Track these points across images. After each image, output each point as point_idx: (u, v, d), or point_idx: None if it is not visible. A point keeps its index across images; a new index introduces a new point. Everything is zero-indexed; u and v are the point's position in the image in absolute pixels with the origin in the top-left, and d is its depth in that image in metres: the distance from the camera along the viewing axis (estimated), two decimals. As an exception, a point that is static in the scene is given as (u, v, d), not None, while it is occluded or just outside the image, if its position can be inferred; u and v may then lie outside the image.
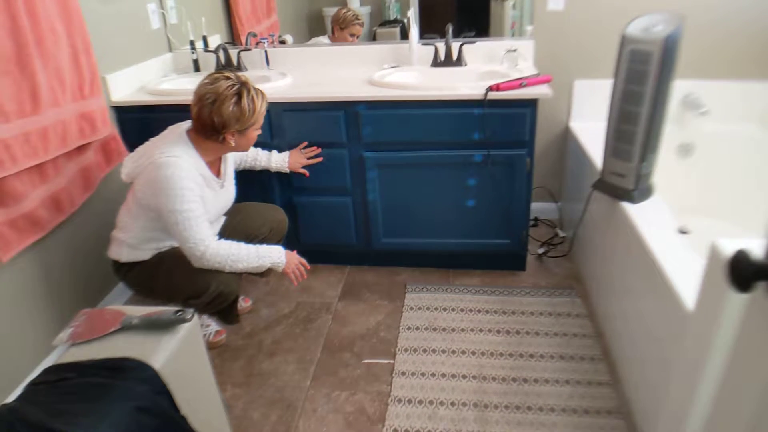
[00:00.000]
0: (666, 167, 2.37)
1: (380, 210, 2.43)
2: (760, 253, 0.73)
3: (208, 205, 1.89)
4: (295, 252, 2.01)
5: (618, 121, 1.90)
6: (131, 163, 1.86)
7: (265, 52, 2.73)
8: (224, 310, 2.02)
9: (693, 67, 2.49)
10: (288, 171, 2.34)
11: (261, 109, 1.85)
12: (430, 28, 2.80)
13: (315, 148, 2.33)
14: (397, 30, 2.90)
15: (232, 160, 2.12)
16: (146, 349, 1.19)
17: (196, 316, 1.33)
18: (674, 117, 2.55)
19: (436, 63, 2.58)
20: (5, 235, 1.77)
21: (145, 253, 1.93)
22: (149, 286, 1.96)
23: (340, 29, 2.82)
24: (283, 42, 2.90)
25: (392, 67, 2.61)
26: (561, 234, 2.76)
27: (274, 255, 1.92)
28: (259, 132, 1.93)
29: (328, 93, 2.28)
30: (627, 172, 1.91)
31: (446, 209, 2.40)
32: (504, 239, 2.43)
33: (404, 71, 2.54)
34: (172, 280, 1.90)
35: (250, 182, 2.40)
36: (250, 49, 2.76)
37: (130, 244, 1.90)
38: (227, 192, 2.06)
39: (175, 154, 1.78)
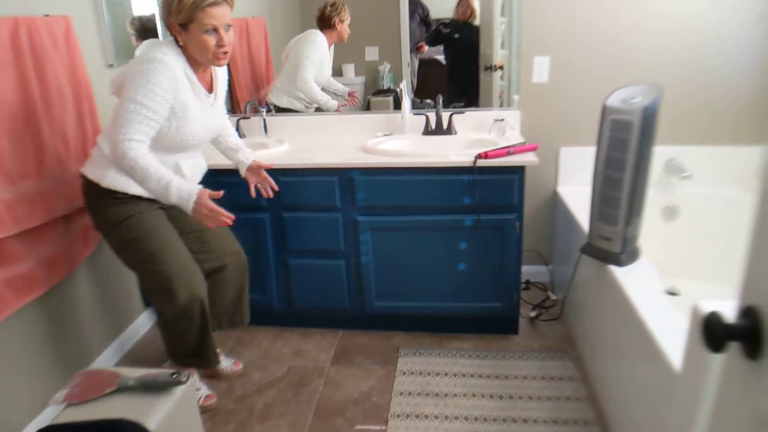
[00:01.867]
0: (652, 230, 2.43)
1: (373, 273, 2.47)
2: (732, 315, 0.77)
3: (190, 115, 1.84)
4: (209, 201, 1.79)
5: (602, 187, 1.97)
6: (118, 72, 1.85)
7: (264, 120, 2.83)
8: (200, 349, 2.06)
9: (674, 133, 2.60)
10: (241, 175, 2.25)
11: (189, 2, 1.72)
12: (422, 96, 2.94)
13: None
14: (390, 99, 3.01)
15: (223, 82, 2.07)
16: (142, 410, 1.20)
17: (191, 379, 1.34)
18: (658, 181, 2.63)
19: (427, 131, 2.68)
20: (2, 294, 1.78)
21: (128, 185, 1.84)
22: (121, 249, 1.96)
23: (340, 22, 2.86)
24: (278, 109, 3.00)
25: (385, 135, 2.70)
26: (553, 297, 2.79)
27: (183, 192, 1.76)
28: (218, 39, 1.79)
29: (323, 160, 2.37)
30: (613, 235, 1.97)
31: (438, 273, 2.44)
32: (496, 302, 2.46)
33: (397, 139, 2.63)
34: (143, 266, 1.95)
35: (245, 241, 2.44)
36: (249, 117, 2.86)
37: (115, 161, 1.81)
38: (217, 113, 2.03)
39: (162, 52, 1.77)
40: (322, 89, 2.96)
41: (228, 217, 1.81)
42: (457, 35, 2.93)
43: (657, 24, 2.53)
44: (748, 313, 0.75)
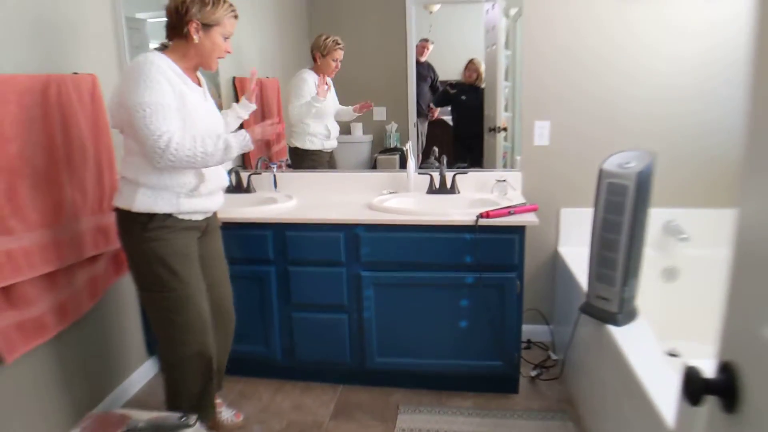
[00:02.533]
0: (653, 291, 2.47)
1: (375, 328, 2.50)
2: (709, 371, 0.81)
3: (191, 107, 1.87)
4: (257, 128, 2.03)
5: (600, 248, 2.02)
6: (109, 102, 1.91)
7: (274, 176, 2.93)
8: (199, 403, 2.06)
9: (673, 196, 2.67)
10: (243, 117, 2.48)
11: (224, 8, 1.89)
12: (429, 155, 3.05)
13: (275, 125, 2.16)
14: (397, 157, 3.12)
15: (206, 86, 2.10)
16: None
17: (198, 423, 1.37)
18: (657, 243, 2.69)
19: (431, 190, 2.76)
20: (12, 337, 1.83)
21: (156, 203, 1.86)
22: (146, 289, 1.97)
23: (322, 56, 2.95)
24: (290, 165, 3.10)
25: (390, 193, 2.79)
26: (554, 357, 2.79)
27: (239, 140, 1.91)
28: (228, 47, 1.96)
29: (330, 215, 2.44)
30: (611, 296, 2.01)
31: (439, 329, 2.46)
32: (496, 361, 2.47)
33: (402, 197, 2.72)
34: (162, 312, 1.96)
35: (249, 294, 2.50)
36: (260, 173, 2.96)
37: (146, 183, 1.86)
38: (212, 106, 2.06)
39: (143, 55, 1.82)
40: (337, 119, 3.10)
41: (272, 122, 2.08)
42: (463, 97, 3.06)
43: (654, 92, 2.65)
44: (725, 368, 0.79)
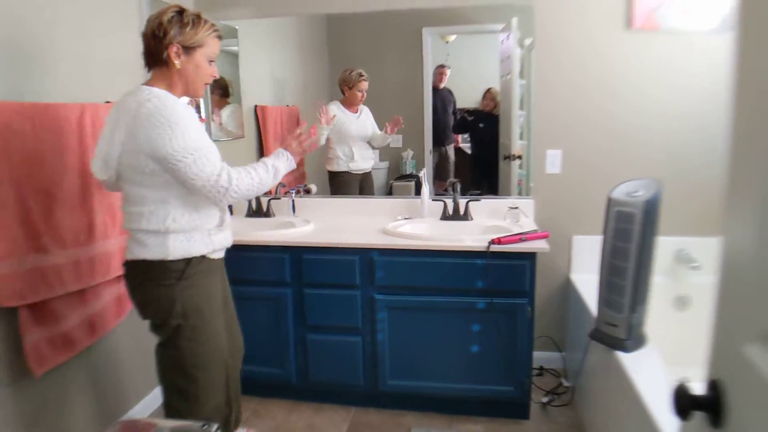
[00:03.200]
0: (665, 319, 2.49)
1: (388, 351, 2.55)
2: (698, 388, 0.86)
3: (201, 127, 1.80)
4: (295, 144, 2.01)
5: (608, 274, 2.07)
6: (101, 155, 1.76)
7: (293, 201, 3.03)
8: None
9: (684, 224, 2.70)
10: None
11: (205, 28, 1.77)
12: (443, 182, 3.14)
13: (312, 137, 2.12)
14: (412, 184, 3.20)
15: None
16: None
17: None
18: (669, 271, 2.72)
19: (444, 216, 2.83)
20: (42, 351, 1.92)
21: (192, 246, 1.79)
22: (171, 344, 1.83)
23: (348, 89, 3.09)
24: (308, 191, 3.20)
25: (405, 219, 2.86)
26: (566, 384, 2.81)
27: (283, 162, 1.94)
28: (213, 70, 1.85)
29: (345, 240, 2.52)
30: (619, 322, 2.05)
31: (451, 353, 2.51)
32: (507, 386, 2.50)
33: (415, 223, 2.79)
34: (183, 369, 1.83)
35: (266, 316, 2.58)
36: (279, 198, 3.06)
37: (177, 229, 1.76)
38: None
39: (149, 92, 1.69)
40: (370, 144, 3.21)
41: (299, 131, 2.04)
42: (481, 125, 3.14)
43: (664, 122, 2.71)
44: (712, 386, 0.84)
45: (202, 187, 1.72)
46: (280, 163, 1.93)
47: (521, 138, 3.02)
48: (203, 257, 1.83)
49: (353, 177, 3.23)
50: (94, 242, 2.12)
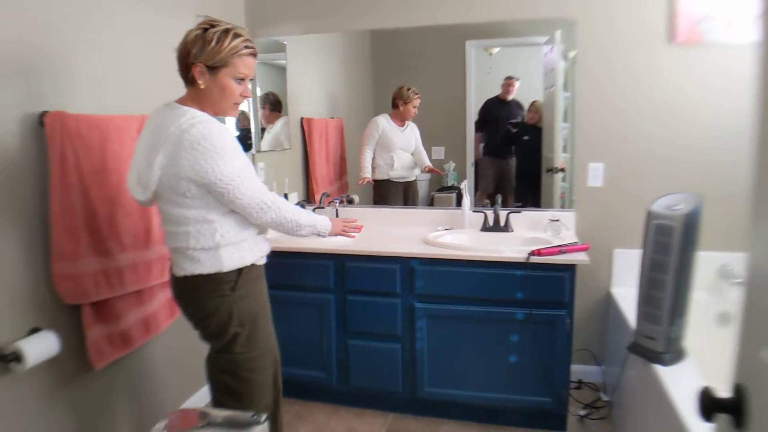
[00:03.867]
0: (708, 336, 2.47)
1: (427, 359, 2.60)
2: (722, 392, 0.90)
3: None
4: (340, 220, 2.16)
5: (647, 287, 2.08)
6: (135, 173, 1.79)
7: (336, 210, 3.12)
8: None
9: (727, 240, 2.66)
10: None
11: (231, 44, 1.68)
12: (485, 195, 3.17)
13: (357, 225, 2.29)
14: (453, 195, 3.24)
15: None
16: None
17: (267, 422, 1.54)
18: (712, 287, 2.69)
19: (485, 228, 2.88)
20: (102, 347, 2.05)
21: (246, 252, 1.84)
22: (222, 338, 1.86)
23: (403, 103, 3.17)
24: (351, 201, 3.29)
25: (446, 230, 2.91)
26: (604, 398, 2.80)
27: (321, 222, 1.99)
28: (245, 90, 1.78)
29: (387, 248, 2.59)
30: (657, 335, 2.05)
31: (489, 363, 2.54)
32: (545, 397, 2.52)
33: (456, 233, 2.84)
34: (238, 373, 1.87)
35: (310, 321, 2.67)
36: (323, 207, 3.16)
37: (228, 242, 1.78)
38: None
39: (192, 115, 1.68)
40: (415, 157, 3.30)
41: (354, 222, 2.19)
42: (526, 137, 3.16)
43: (706, 135, 2.70)
44: (736, 390, 0.88)
45: (248, 205, 1.76)
46: (319, 219, 2.00)
47: (564, 151, 3.03)
48: (252, 265, 1.87)
49: (395, 185, 3.30)
50: (152, 246, 2.24)
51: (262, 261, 1.96)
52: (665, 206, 2.06)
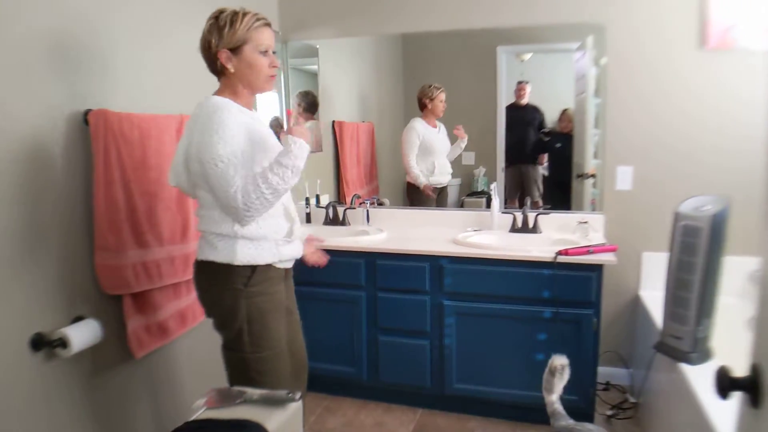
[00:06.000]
0: (737, 341, 2.46)
1: (455, 355, 2.65)
2: (738, 372, 0.94)
3: (269, 147, 1.80)
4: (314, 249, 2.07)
5: (674, 288, 2.10)
6: (173, 163, 1.88)
7: (367, 211, 3.20)
8: None
9: (758, 245, 2.66)
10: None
11: (244, 21, 1.74)
12: (513, 199, 3.22)
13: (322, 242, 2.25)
14: (483, 200, 3.28)
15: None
16: (263, 416, 1.50)
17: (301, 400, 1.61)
18: (742, 292, 2.68)
19: (513, 229, 2.92)
20: (141, 337, 2.15)
21: (259, 254, 1.80)
22: (230, 333, 1.85)
23: (430, 101, 3.19)
24: (381, 204, 3.36)
25: (474, 231, 2.96)
26: (631, 399, 2.81)
27: (297, 149, 1.74)
28: (273, 60, 1.80)
29: (417, 247, 2.66)
30: (684, 334, 2.07)
31: (517, 361, 2.58)
32: (572, 395, 2.52)
33: (485, 234, 2.89)
34: (245, 373, 1.85)
35: (342, 315, 2.74)
36: (354, 208, 3.24)
37: (246, 235, 1.77)
38: (272, 134, 1.94)
39: (209, 99, 1.74)
40: (449, 158, 3.32)
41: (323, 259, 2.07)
42: (558, 145, 3.20)
43: (737, 141, 2.70)
44: (753, 369, 0.92)
45: (220, 201, 1.71)
46: (294, 153, 1.73)
47: (595, 157, 3.02)
48: (269, 266, 1.83)
49: (431, 191, 3.34)
50: (188, 241, 2.34)
51: (284, 265, 1.92)
52: (693, 207, 2.09)
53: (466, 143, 3.24)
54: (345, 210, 3.21)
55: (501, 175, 3.22)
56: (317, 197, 3.36)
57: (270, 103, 3.32)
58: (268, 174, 1.68)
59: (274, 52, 1.82)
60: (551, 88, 3.15)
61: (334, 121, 3.42)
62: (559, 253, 2.42)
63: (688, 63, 2.73)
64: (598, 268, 2.42)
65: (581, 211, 3.03)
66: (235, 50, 1.75)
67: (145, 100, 2.27)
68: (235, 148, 1.66)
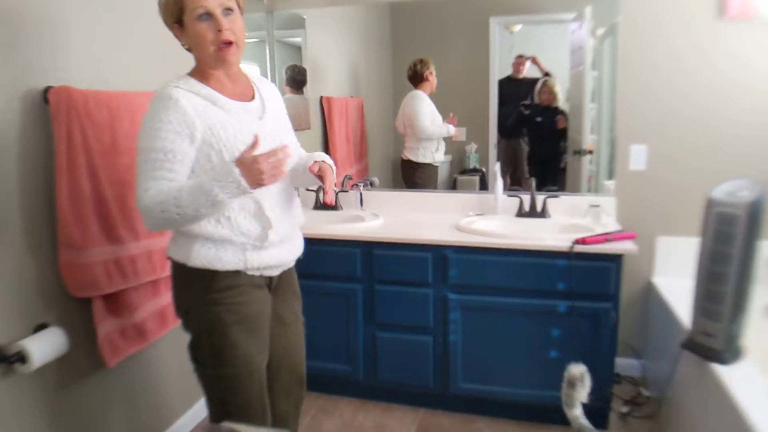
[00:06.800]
0: (758, 330, 2.31)
1: (460, 352, 2.46)
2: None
3: (226, 137, 1.50)
4: (250, 155, 1.43)
5: (706, 281, 1.91)
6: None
7: (360, 194, 2.97)
8: None
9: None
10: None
11: None
12: (504, 176, 2.94)
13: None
14: (477, 179, 3.10)
15: (274, 100, 1.72)
16: None
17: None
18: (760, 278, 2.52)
19: (520, 213, 2.71)
20: (116, 342, 1.91)
21: (219, 258, 1.53)
22: (194, 344, 1.63)
23: (431, 74, 3.02)
24: (371, 183, 3.14)
25: (477, 215, 2.75)
26: (645, 393, 2.65)
27: (221, 177, 1.41)
28: (216, 25, 1.47)
29: (419, 235, 2.44)
30: (717, 332, 1.89)
31: (528, 358, 2.39)
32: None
33: (489, 219, 2.68)
34: (213, 393, 1.63)
35: (335, 311, 2.54)
36: (347, 191, 3.00)
37: (203, 233, 1.51)
38: (272, 125, 1.64)
39: (165, 84, 1.51)
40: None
41: (281, 150, 1.43)
42: (538, 119, 3.01)
43: (761, 116, 2.51)
44: None
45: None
46: (216, 185, 1.41)
47: (592, 132, 2.88)
48: (238, 272, 1.57)
49: (433, 169, 3.15)
50: (168, 233, 2.09)
51: (262, 273, 1.63)
52: (727, 193, 1.88)
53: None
54: (336, 193, 2.97)
55: (494, 151, 3.05)
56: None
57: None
58: (188, 197, 1.41)
59: (229, 10, 1.50)
60: (544, 61, 2.96)
61: (322, 97, 3.21)
62: (577, 241, 2.22)
63: (706, 32, 2.52)
64: (617, 258, 2.23)
65: (578, 191, 2.86)
66: (180, 23, 1.51)
67: (116, 75, 2.02)
68: (162, 144, 1.43)
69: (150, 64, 2.15)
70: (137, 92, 1.99)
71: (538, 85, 2.93)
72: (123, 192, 1.91)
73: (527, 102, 2.98)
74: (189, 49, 1.56)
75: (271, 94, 1.72)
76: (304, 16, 3.12)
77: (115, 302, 1.92)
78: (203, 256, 1.53)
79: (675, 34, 2.55)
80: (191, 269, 1.54)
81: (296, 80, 3.22)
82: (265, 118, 1.62)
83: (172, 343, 2.31)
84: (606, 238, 2.24)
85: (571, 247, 2.21)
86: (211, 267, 1.53)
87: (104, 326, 1.88)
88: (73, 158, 1.73)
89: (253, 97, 1.64)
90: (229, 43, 1.49)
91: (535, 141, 3.08)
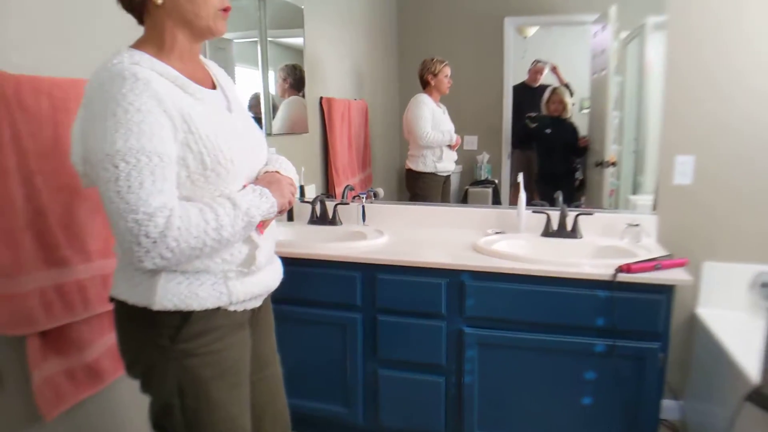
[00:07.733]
0: None
1: (477, 396, 2.12)
2: None
3: (203, 127, 1.15)
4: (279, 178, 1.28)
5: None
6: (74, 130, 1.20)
7: (362, 207, 2.64)
8: None
9: None
10: None
11: None
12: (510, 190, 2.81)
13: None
14: (489, 191, 2.88)
15: (231, 85, 1.39)
16: None
17: None
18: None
19: (547, 232, 2.36)
20: (60, 387, 1.58)
21: (205, 292, 1.20)
22: (157, 405, 1.29)
23: (434, 76, 2.79)
24: (375, 194, 2.84)
25: (497, 233, 2.42)
26: (687, 442, 2.30)
27: (263, 204, 1.20)
28: None
29: (430, 257, 2.11)
30: (800, 388, 1.54)
31: (556, 405, 2.06)
32: (627, 446, 2.02)
33: (512, 239, 2.34)
34: None
35: (330, 344, 2.24)
36: (347, 203, 2.69)
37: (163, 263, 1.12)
38: (244, 119, 1.35)
39: (119, 59, 1.13)
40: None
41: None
42: (547, 131, 2.80)
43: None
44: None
45: (117, 227, 1.07)
46: (256, 209, 1.19)
47: (614, 142, 2.65)
48: (216, 310, 1.23)
49: (438, 180, 2.89)
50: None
51: (245, 306, 1.30)
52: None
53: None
54: (336, 206, 2.65)
55: (507, 162, 2.84)
56: (301, 189, 2.80)
57: (250, 78, 2.85)
58: (226, 216, 1.12)
59: None
60: (560, 67, 2.76)
61: (321, 98, 2.95)
62: (620, 269, 1.86)
63: (764, 34, 2.21)
64: (667, 290, 1.88)
65: (600, 206, 2.60)
66: None
67: (61, 57, 1.66)
68: (150, 143, 1.06)
69: (107, 42, 1.77)
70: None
71: (546, 94, 2.72)
72: (69, 200, 1.57)
73: (533, 114, 2.78)
74: (139, 8, 1.19)
75: (228, 81, 1.39)
76: (302, 7, 2.88)
77: (60, 338, 1.58)
78: (173, 295, 1.17)
79: (731, 33, 2.25)
80: (155, 315, 1.17)
81: (294, 80, 2.98)
82: (234, 111, 1.30)
83: (134, 384, 1.95)
84: (654, 265, 1.89)
85: (614, 276, 1.86)
86: (185, 308, 1.18)
87: (44, 369, 1.53)
88: (1, 160, 1.38)
89: (213, 85, 1.31)
90: (228, 9, 1.22)
91: (544, 155, 2.87)
